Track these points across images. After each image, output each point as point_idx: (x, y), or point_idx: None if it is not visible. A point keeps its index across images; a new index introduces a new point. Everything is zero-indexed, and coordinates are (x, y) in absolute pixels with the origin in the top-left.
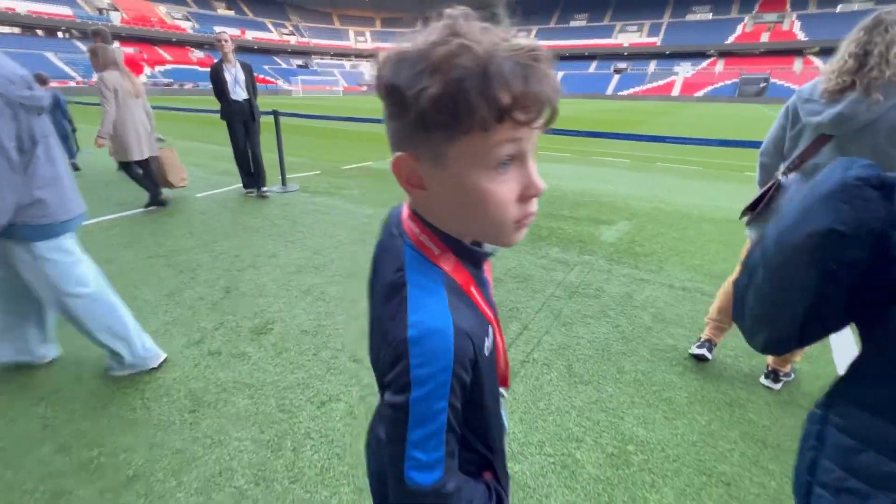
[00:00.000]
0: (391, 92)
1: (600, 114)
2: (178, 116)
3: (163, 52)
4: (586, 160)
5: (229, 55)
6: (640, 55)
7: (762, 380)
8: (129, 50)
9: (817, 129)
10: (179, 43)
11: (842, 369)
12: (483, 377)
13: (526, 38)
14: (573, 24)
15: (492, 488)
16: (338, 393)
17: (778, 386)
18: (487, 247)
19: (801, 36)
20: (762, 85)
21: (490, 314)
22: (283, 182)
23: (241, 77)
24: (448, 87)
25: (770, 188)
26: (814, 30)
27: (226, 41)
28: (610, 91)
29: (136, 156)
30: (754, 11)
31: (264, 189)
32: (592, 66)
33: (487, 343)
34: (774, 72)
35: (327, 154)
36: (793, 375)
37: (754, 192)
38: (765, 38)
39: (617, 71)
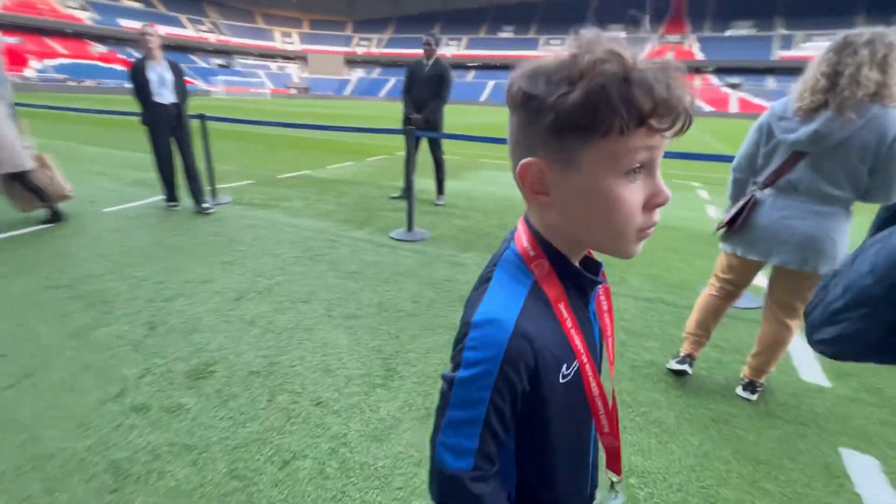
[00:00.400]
0: (528, 100)
1: None
2: (79, 118)
3: (55, 45)
4: None
5: (155, 52)
6: None
7: (740, 391)
8: (9, 40)
9: (792, 146)
10: (77, 35)
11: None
12: (549, 402)
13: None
14: (501, 35)
15: None
16: (302, 448)
17: (755, 397)
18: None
19: (699, 56)
20: None
21: (578, 343)
22: (213, 194)
23: (169, 77)
24: (591, 91)
25: (746, 204)
26: (710, 51)
27: (151, 36)
28: None
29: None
30: (661, 32)
31: (204, 205)
32: None
33: (565, 370)
34: None
35: (259, 162)
36: (765, 384)
37: (695, 200)
38: (670, 56)
39: None
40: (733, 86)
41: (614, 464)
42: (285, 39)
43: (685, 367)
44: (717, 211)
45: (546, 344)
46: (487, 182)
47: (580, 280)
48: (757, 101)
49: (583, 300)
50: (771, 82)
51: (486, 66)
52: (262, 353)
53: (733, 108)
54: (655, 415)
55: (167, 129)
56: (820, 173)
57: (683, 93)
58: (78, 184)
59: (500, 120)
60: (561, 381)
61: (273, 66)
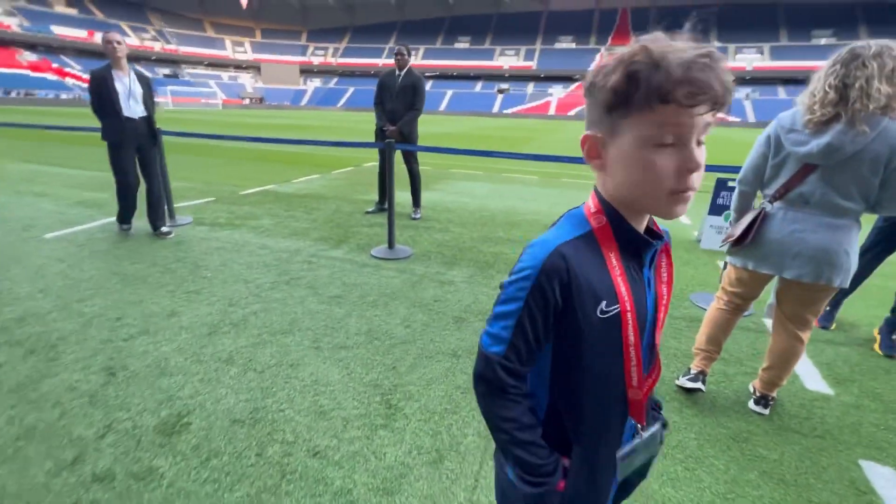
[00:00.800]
0: (591, 87)
1: (494, 130)
2: (6, 133)
3: None
4: (499, 178)
5: (122, 61)
6: (519, 77)
7: (752, 406)
8: None
9: (804, 158)
10: (2, 43)
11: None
12: (584, 333)
13: (703, 45)
14: (457, 45)
15: (554, 464)
16: None
17: (767, 411)
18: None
19: None
20: None
21: (623, 292)
22: (171, 214)
23: (138, 89)
24: (626, 74)
25: (757, 217)
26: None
27: (118, 44)
28: (496, 109)
29: None
30: (608, 43)
31: (164, 230)
32: (478, 86)
33: (604, 306)
34: None
35: (220, 177)
36: (776, 397)
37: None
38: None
39: (500, 91)
40: None
41: (637, 414)
42: (237, 48)
43: (699, 384)
44: (686, 217)
45: (585, 274)
46: (460, 193)
47: (633, 237)
48: None
49: (637, 262)
50: None
51: (444, 76)
52: (245, 397)
53: None
54: (676, 438)
55: (134, 146)
56: (831, 186)
57: (707, 74)
58: (11, 207)
59: (461, 129)
60: (599, 315)
61: (225, 75)
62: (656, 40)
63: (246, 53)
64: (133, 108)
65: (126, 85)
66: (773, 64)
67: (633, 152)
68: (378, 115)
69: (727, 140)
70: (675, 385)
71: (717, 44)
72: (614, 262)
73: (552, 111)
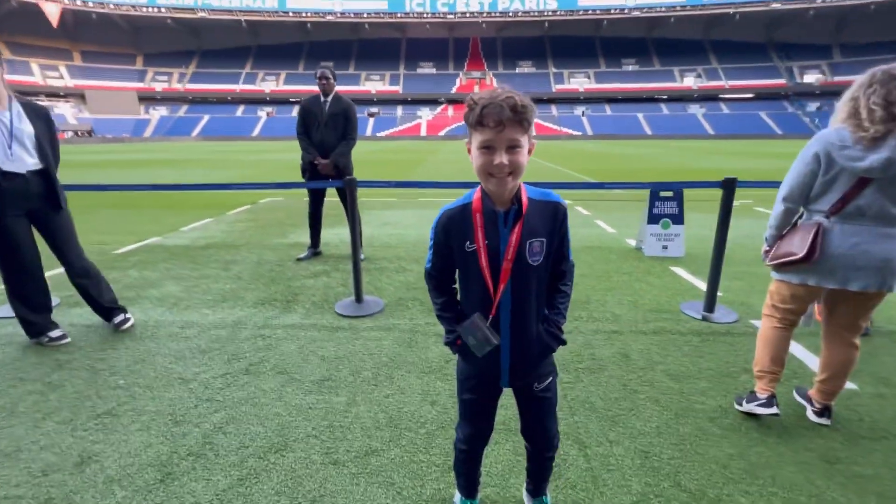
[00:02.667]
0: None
1: (383, 154)
2: None
3: None
4: (416, 203)
5: (0, 90)
6: (387, 101)
7: (816, 419)
8: None
9: (862, 173)
10: None
11: None
12: (463, 259)
13: (507, 89)
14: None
15: (456, 324)
16: None
17: (830, 421)
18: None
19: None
20: None
21: (480, 236)
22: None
23: (27, 129)
24: (466, 109)
25: (816, 234)
26: (506, 83)
27: None
28: (369, 132)
29: None
30: (465, 69)
31: (124, 317)
32: None
33: (468, 245)
34: None
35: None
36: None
37: (580, 216)
38: (476, 89)
39: (370, 115)
40: None
41: (486, 308)
42: (48, 74)
43: (773, 409)
44: (608, 225)
45: (458, 225)
46: (389, 224)
47: (486, 206)
48: (546, 124)
49: (494, 219)
50: (554, 110)
51: None
52: None
53: (531, 131)
54: (781, 476)
55: (21, 213)
56: (888, 197)
57: (498, 111)
58: None
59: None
60: (466, 249)
61: None
62: (481, 92)
63: (62, 79)
64: (18, 158)
65: (6, 124)
66: (598, 86)
67: (475, 152)
68: (305, 147)
69: (580, 152)
70: (738, 410)
71: (553, 70)
72: (477, 219)
73: (423, 132)
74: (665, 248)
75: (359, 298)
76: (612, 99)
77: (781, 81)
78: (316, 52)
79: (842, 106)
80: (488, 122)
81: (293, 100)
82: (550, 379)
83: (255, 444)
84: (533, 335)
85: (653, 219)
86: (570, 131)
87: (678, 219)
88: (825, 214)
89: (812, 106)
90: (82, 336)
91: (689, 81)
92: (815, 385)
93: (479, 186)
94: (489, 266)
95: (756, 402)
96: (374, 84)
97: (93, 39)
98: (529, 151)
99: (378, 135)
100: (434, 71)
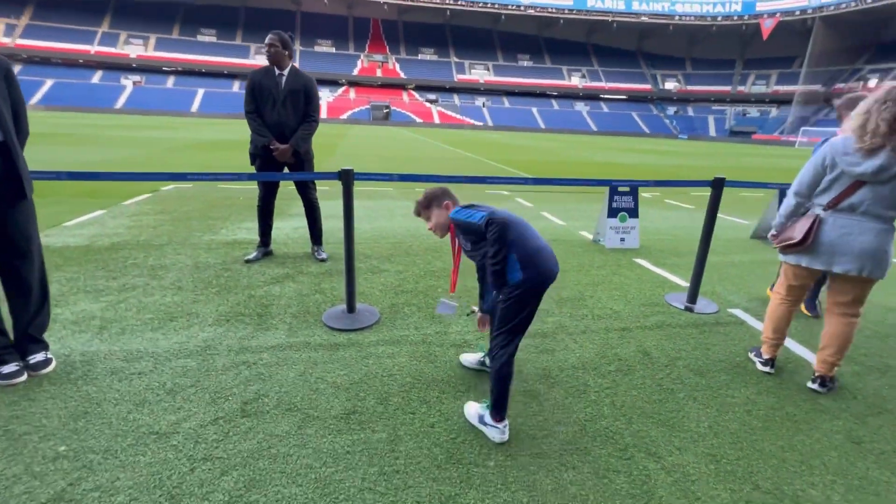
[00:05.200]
0: None
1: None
2: None
3: None
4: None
5: None
6: None
7: (812, 385)
8: None
9: (858, 176)
10: None
11: None
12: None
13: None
14: (201, 38)
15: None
16: None
17: (825, 390)
18: None
19: (402, 74)
20: (386, 111)
21: (452, 243)
22: None
23: None
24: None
25: (814, 223)
26: (408, 70)
27: None
28: None
29: None
30: (366, 51)
31: (39, 357)
32: (235, 86)
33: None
34: (392, 101)
35: None
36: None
37: (526, 210)
38: (379, 73)
39: None
40: (432, 101)
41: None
42: None
43: (768, 368)
44: (555, 217)
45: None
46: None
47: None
48: (450, 113)
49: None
50: (456, 99)
51: (189, 72)
52: None
53: (436, 119)
54: (830, 462)
55: None
56: (876, 197)
57: (414, 209)
58: None
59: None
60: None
61: None
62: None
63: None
64: None
65: None
66: (496, 79)
67: None
68: (256, 128)
69: (493, 143)
70: (747, 360)
71: (455, 59)
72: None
73: (324, 114)
74: (623, 240)
75: (351, 308)
76: (509, 92)
77: (648, 86)
78: (195, 17)
79: (856, 115)
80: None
81: (167, 69)
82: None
83: None
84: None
85: (612, 213)
86: (473, 121)
87: (634, 212)
88: (823, 207)
89: (671, 110)
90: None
91: (576, 80)
92: (817, 357)
93: None
94: (455, 257)
95: (759, 359)
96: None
97: None
98: (446, 212)
99: None
100: (333, 50)
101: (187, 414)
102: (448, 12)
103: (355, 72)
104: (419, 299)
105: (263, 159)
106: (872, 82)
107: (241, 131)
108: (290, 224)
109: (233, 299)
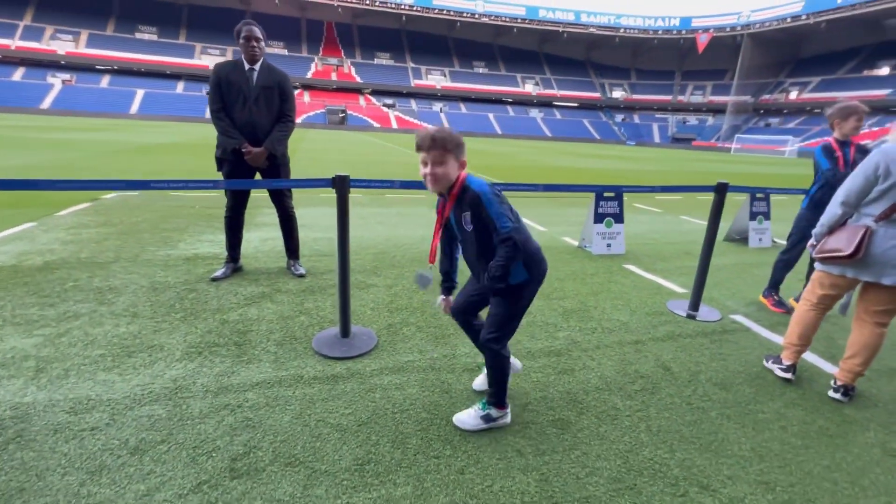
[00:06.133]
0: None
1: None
2: None
3: None
4: (326, 200)
5: None
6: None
7: (833, 394)
8: None
9: None
10: None
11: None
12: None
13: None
14: (140, 35)
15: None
16: None
17: (847, 399)
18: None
19: (358, 78)
20: (342, 115)
21: (439, 213)
22: None
23: None
24: (418, 139)
25: (865, 234)
26: (364, 74)
27: None
28: (207, 115)
29: None
30: (320, 54)
31: None
32: (179, 87)
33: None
34: (349, 105)
35: None
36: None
37: None
38: (334, 76)
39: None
40: (389, 106)
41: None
42: None
43: (790, 375)
44: (536, 223)
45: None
46: (309, 227)
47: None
48: (408, 118)
49: (443, 201)
50: (414, 104)
51: (127, 72)
52: None
53: (394, 124)
54: (878, 481)
55: None
56: None
57: (422, 139)
58: None
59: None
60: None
61: None
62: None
63: None
64: None
65: None
66: (453, 85)
67: (420, 165)
68: (224, 129)
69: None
70: (764, 370)
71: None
72: (441, 202)
73: None
74: (609, 245)
75: (345, 331)
76: (466, 98)
77: (597, 95)
78: (131, 13)
79: None
80: (417, 147)
81: (100, 67)
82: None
83: None
84: (479, 279)
85: (598, 218)
86: (430, 126)
87: (619, 217)
88: (874, 219)
89: (619, 117)
90: None
91: (530, 88)
92: (840, 364)
93: None
94: (438, 227)
95: (779, 366)
96: (214, 59)
97: None
98: (462, 166)
99: None
100: (286, 52)
101: (160, 481)
102: (404, 18)
103: (309, 75)
104: (417, 317)
105: (233, 164)
106: (793, 94)
107: (188, 133)
108: (257, 235)
109: (203, 326)
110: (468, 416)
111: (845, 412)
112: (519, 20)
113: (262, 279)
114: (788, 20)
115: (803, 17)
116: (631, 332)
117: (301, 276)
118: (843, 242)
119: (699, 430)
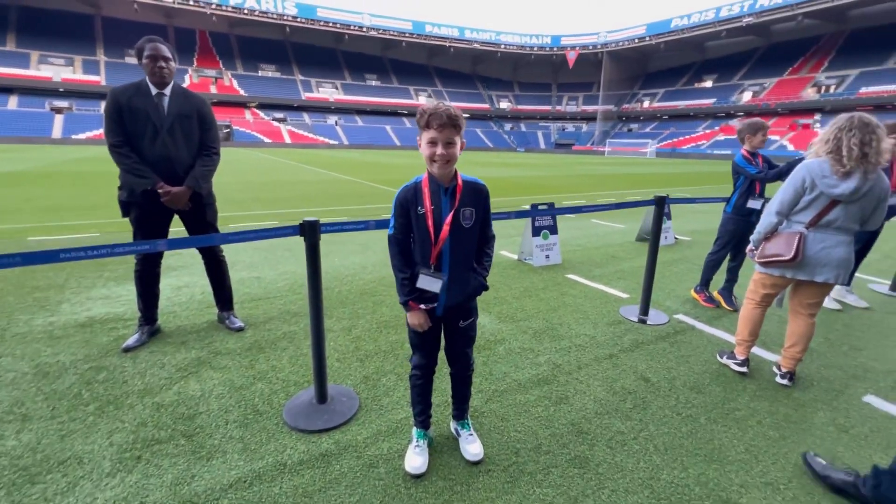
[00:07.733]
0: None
1: (101, 164)
2: None
3: None
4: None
5: None
6: (83, 94)
7: (780, 380)
8: None
9: (836, 197)
10: None
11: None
12: (415, 221)
13: (440, 103)
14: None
15: (410, 275)
16: None
17: (790, 383)
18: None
19: (242, 91)
20: (227, 131)
21: (427, 203)
22: None
23: None
24: (418, 115)
25: (800, 240)
26: (248, 87)
27: None
28: (58, 134)
29: None
30: (195, 65)
31: None
32: (12, 102)
33: (419, 210)
34: (234, 120)
35: None
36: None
37: None
38: (213, 90)
39: (55, 109)
40: (280, 120)
41: (433, 258)
42: None
43: (745, 369)
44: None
45: (411, 194)
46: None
47: (432, 182)
48: (302, 132)
49: (438, 192)
50: (307, 118)
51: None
52: None
53: (287, 139)
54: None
55: None
56: (847, 214)
57: (437, 115)
58: None
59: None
60: (417, 213)
61: None
62: (427, 104)
63: None
64: None
65: None
66: (346, 97)
67: (423, 145)
68: (130, 167)
69: (360, 163)
70: (721, 365)
71: (301, 77)
72: (425, 191)
73: None
74: (548, 257)
75: (322, 396)
76: (361, 110)
77: (486, 106)
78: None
79: (824, 141)
80: (430, 124)
81: None
82: (472, 319)
83: None
84: (466, 279)
85: (535, 231)
86: (327, 140)
87: (554, 229)
88: (805, 225)
89: (507, 126)
90: None
91: (423, 100)
92: (782, 353)
93: (427, 171)
94: (433, 224)
95: (734, 361)
96: (58, 70)
97: None
98: (461, 148)
99: (73, 137)
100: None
101: None
102: (287, 29)
103: (184, 87)
104: (391, 363)
105: (143, 208)
106: (646, 103)
107: (34, 159)
108: (167, 283)
109: (131, 418)
110: (474, 446)
111: (794, 396)
112: (406, 34)
113: (190, 340)
114: (636, 41)
115: (647, 38)
116: (601, 346)
117: (240, 329)
118: (783, 248)
119: (697, 441)
